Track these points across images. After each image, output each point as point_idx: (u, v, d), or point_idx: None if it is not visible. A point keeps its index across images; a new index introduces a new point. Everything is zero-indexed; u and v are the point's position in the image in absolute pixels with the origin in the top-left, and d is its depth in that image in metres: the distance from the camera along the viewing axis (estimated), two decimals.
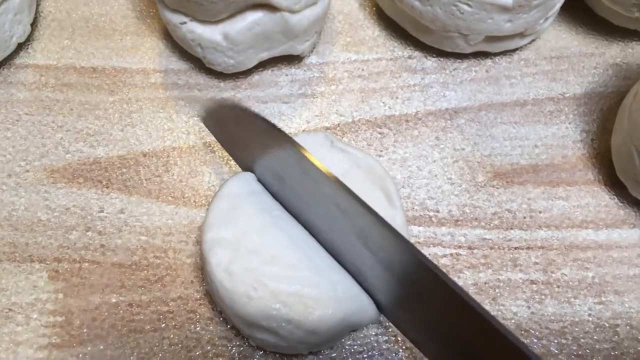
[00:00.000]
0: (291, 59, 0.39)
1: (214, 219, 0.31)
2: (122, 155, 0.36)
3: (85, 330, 0.30)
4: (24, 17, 0.38)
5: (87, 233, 0.33)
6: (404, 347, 0.31)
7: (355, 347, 0.31)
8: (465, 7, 0.35)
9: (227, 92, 0.38)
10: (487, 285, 0.32)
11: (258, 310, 0.27)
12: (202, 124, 0.36)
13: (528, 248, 0.33)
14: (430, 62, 0.40)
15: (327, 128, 0.37)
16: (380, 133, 0.37)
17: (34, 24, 0.40)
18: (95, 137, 0.36)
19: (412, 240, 0.33)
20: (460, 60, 0.40)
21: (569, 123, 0.38)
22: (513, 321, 0.31)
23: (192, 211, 0.34)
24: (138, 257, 0.32)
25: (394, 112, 0.38)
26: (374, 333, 0.31)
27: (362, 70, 0.39)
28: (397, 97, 0.38)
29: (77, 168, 0.35)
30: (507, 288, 0.32)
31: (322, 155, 0.32)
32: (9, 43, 0.38)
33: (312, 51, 0.40)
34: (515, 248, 0.33)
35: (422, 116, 0.38)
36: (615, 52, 0.40)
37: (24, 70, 0.38)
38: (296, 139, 0.32)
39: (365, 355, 0.30)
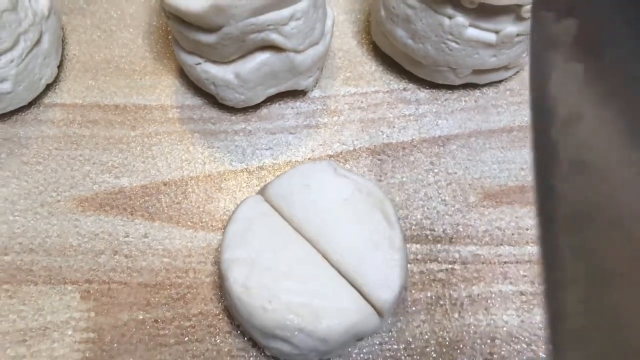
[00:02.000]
0: (296, 94, 0.43)
1: (229, 240, 0.34)
2: (144, 184, 0.39)
3: (115, 345, 0.33)
4: (52, 61, 0.42)
5: (115, 256, 0.36)
6: (405, 355, 0.33)
7: (361, 355, 0.34)
8: (454, 44, 0.39)
9: (239, 124, 0.42)
10: (480, 297, 0.35)
11: (273, 321, 0.31)
12: (217, 155, 0.40)
13: (517, 262, 0.37)
14: (424, 94, 0.43)
15: (331, 156, 0.41)
16: (379, 159, 0.41)
17: (60, 66, 0.43)
18: (120, 169, 0.39)
19: (411, 257, 0.37)
20: (450, 92, 0.43)
21: None
22: (505, 329, 0.34)
23: (210, 234, 0.37)
24: (161, 277, 0.36)
25: (391, 140, 0.41)
26: (378, 342, 0.34)
27: (362, 102, 0.43)
28: (394, 126, 0.42)
29: (103, 197, 0.38)
30: (499, 299, 0.35)
31: (327, 182, 0.35)
32: (38, 84, 0.41)
33: (315, 86, 0.43)
34: (505, 262, 0.37)
35: (417, 143, 0.41)
36: None
37: (52, 109, 0.42)
38: (304, 167, 0.36)
39: None
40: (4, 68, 0.38)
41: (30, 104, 0.42)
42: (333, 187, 0.35)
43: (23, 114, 0.42)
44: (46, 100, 0.42)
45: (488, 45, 0.39)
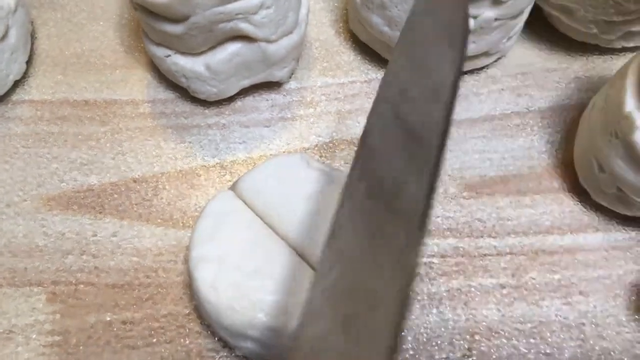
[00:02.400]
0: (271, 85, 0.42)
1: (198, 237, 0.33)
2: (114, 182, 0.38)
3: (81, 348, 0.32)
4: (20, 56, 0.41)
5: (82, 256, 0.35)
6: None
7: None
8: None
9: (212, 118, 0.40)
10: (459, 291, 0.34)
11: (242, 321, 0.29)
12: (189, 150, 0.39)
13: (498, 254, 0.35)
14: None
15: (307, 149, 0.40)
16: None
17: (29, 62, 0.42)
18: (89, 166, 0.38)
19: None
20: None
21: (534, 135, 0.40)
22: (484, 323, 0.33)
23: (181, 232, 0.36)
24: (130, 277, 0.34)
25: None
26: None
27: (339, 93, 0.42)
28: None
29: (71, 196, 0.37)
30: (479, 293, 0.34)
31: (299, 175, 0.34)
32: (5, 81, 0.40)
33: (290, 77, 0.42)
34: (486, 255, 0.35)
35: None
36: (577, 67, 0.43)
37: (20, 105, 0.41)
38: (277, 160, 0.35)
39: None
40: None
41: None
42: (306, 181, 0.34)
43: None
44: (14, 97, 0.41)
45: None
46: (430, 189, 0.20)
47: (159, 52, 0.38)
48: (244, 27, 0.36)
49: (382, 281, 0.18)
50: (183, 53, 0.38)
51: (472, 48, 0.39)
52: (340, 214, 0.21)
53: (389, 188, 0.21)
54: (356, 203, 0.21)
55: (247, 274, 0.31)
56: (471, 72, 0.42)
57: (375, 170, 0.22)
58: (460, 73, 0.22)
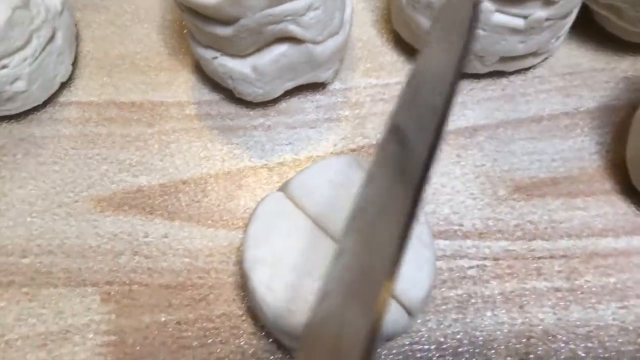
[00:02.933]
0: (315, 86, 0.42)
1: (251, 239, 0.33)
2: (163, 183, 0.38)
3: (138, 348, 0.32)
4: (66, 58, 0.41)
5: (135, 257, 0.35)
6: (437, 355, 0.32)
7: (390, 356, 0.32)
8: (480, 31, 0.37)
9: (257, 119, 0.40)
10: (513, 294, 0.34)
11: (298, 322, 0.29)
12: (235, 151, 0.39)
13: (551, 257, 0.35)
14: None
15: (353, 150, 0.39)
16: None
17: (74, 64, 0.43)
18: (137, 167, 0.39)
19: (439, 253, 0.35)
20: (477, 80, 0.42)
21: (585, 136, 0.39)
22: (540, 327, 0.33)
23: (231, 233, 0.36)
24: (183, 278, 0.35)
25: None
26: (407, 342, 0.33)
27: (384, 94, 0.42)
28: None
29: (122, 197, 0.37)
30: (533, 296, 0.34)
31: (351, 178, 0.34)
32: (52, 83, 0.40)
33: (335, 78, 0.42)
34: (539, 258, 0.35)
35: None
36: (626, 66, 0.42)
37: (67, 107, 0.41)
38: (326, 162, 0.35)
39: None
40: (17, 67, 0.37)
41: (45, 103, 0.41)
42: (358, 183, 0.34)
43: (38, 113, 0.41)
44: (61, 98, 0.42)
45: (516, 31, 0.37)
46: (415, 204, 0.19)
47: (207, 54, 0.38)
48: (292, 28, 0.36)
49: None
50: (230, 55, 0.38)
51: (520, 48, 0.39)
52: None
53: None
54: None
55: (302, 275, 0.31)
56: (518, 72, 0.42)
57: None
58: (458, 76, 0.22)
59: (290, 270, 0.31)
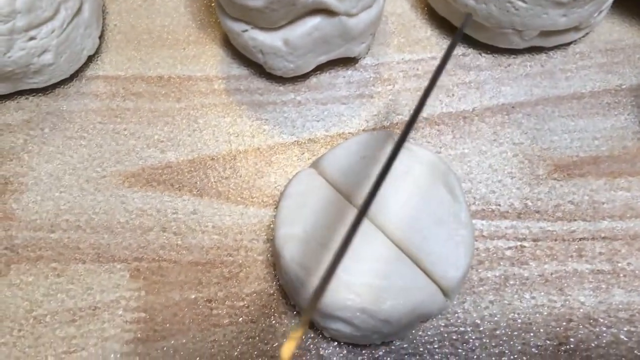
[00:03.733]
0: (347, 61, 0.40)
1: (283, 216, 0.32)
2: (191, 159, 0.37)
3: (167, 325, 0.32)
4: (93, 31, 0.40)
5: (164, 234, 0.35)
6: (473, 337, 0.31)
7: (425, 338, 0.31)
8: (521, 3, 0.36)
9: (287, 95, 0.39)
10: (553, 276, 0.33)
11: (333, 301, 0.29)
12: (265, 127, 0.38)
13: (592, 239, 0.34)
14: (485, 59, 0.40)
15: (386, 127, 0.38)
16: (438, 130, 0.38)
17: (101, 37, 0.42)
18: (165, 143, 0.38)
19: (476, 233, 0.34)
20: (514, 56, 0.40)
21: (627, 114, 0.38)
22: (581, 310, 0.32)
23: (260, 210, 0.35)
24: (212, 255, 0.34)
25: (450, 109, 0.39)
26: (443, 324, 0.32)
27: (417, 69, 0.40)
28: (453, 95, 0.39)
29: (150, 172, 0.37)
30: (574, 278, 0.33)
31: (386, 153, 0.33)
32: (80, 56, 0.40)
33: (367, 53, 0.41)
34: (580, 239, 0.34)
35: (479, 112, 0.38)
36: None
37: (94, 81, 0.40)
38: (359, 137, 0.34)
39: (436, 346, 0.31)
40: (45, 39, 0.36)
41: (72, 77, 0.40)
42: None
43: (65, 87, 0.40)
44: (88, 72, 0.41)
45: (559, 3, 0.36)
46: None
47: (236, 26, 0.37)
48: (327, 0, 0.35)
49: None
50: (261, 28, 0.37)
51: (562, 22, 0.37)
52: None
53: None
54: None
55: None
56: (557, 47, 0.40)
57: None
58: None
59: (323, 248, 0.30)
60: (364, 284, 0.29)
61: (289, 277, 0.30)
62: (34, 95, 0.40)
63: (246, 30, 0.37)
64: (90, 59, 0.41)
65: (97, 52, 0.41)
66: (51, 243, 0.34)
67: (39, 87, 0.39)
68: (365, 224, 0.31)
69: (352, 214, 0.31)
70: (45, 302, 0.33)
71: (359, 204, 0.32)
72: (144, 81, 0.40)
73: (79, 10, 0.39)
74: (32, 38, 0.36)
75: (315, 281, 0.29)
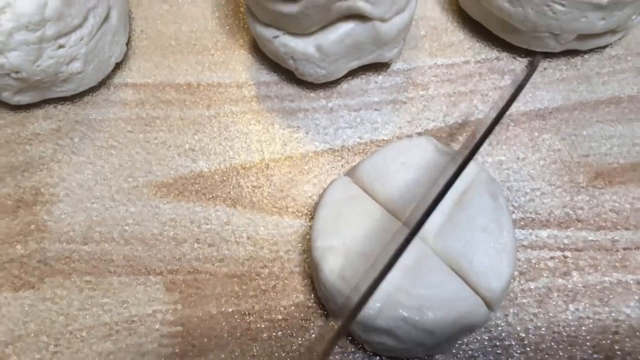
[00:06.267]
0: (378, 67, 0.40)
1: (321, 227, 0.31)
2: (223, 168, 0.37)
3: (205, 340, 0.31)
4: (120, 38, 0.40)
5: (198, 245, 0.34)
6: (518, 352, 0.31)
7: (469, 352, 0.31)
8: (558, 6, 0.35)
9: (319, 101, 0.39)
10: (596, 287, 0.32)
11: (375, 311, 0.28)
12: (297, 135, 0.37)
13: (636, 249, 0.33)
14: (519, 63, 0.40)
15: (419, 133, 0.38)
16: (472, 137, 0.37)
17: (127, 44, 0.41)
18: (196, 152, 0.37)
19: (517, 244, 0.33)
20: (549, 60, 0.39)
21: None
22: (627, 322, 0.31)
23: (295, 221, 0.35)
24: (247, 267, 0.33)
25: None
26: (486, 338, 0.31)
27: (450, 74, 0.40)
28: (487, 100, 0.38)
29: (182, 182, 0.36)
30: (618, 290, 0.32)
31: (427, 159, 0.32)
32: (108, 63, 0.39)
33: (398, 58, 0.40)
34: (624, 249, 0.33)
35: (515, 118, 0.38)
36: None
37: (122, 89, 0.40)
38: (400, 143, 0.33)
39: None
40: (74, 47, 0.36)
41: (99, 85, 0.40)
42: (433, 165, 0.32)
43: (93, 95, 0.40)
44: (116, 80, 0.40)
45: (598, 6, 0.35)
46: None
47: (267, 32, 0.37)
48: (361, 5, 0.34)
49: None
50: (292, 34, 0.36)
51: (600, 25, 0.36)
52: None
53: None
54: None
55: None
56: (593, 51, 0.39)
57: None
58: None
59: (363, 259, 0.29)
60: (407, 294, 0.28)
61: (328, 290, 0.30)
62: (62, 104, 0.39)
63: (277, 37, 0.36)
64: (117, 66, 0.40)
65: (124, 59, 0.41)
66: (85, 256, 0.34)
67: (67, 95, 0.38)
68: (404, 233, 0.30)
69: (390, 223, 0.31)
70: (81, 316, 0.32)
71: (399, 213, 0.31)
72: (172, 88, 0.40)
73: (107, 17, 0.38)
74: (61, 46, 0.35)
75: (355, 293, 0.28)
